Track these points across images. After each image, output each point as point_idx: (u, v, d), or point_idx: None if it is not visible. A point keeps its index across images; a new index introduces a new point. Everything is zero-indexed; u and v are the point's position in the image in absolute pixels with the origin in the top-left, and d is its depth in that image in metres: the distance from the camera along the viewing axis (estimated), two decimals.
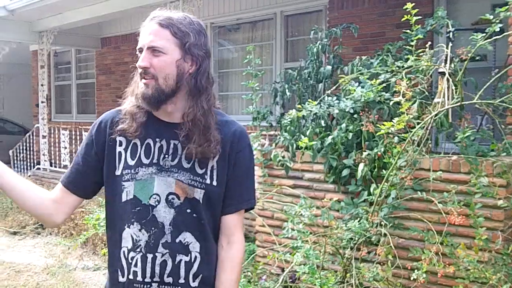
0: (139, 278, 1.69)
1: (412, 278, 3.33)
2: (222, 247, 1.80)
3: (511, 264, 3.40)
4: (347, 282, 3.76)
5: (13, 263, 6.21)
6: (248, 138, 1.82)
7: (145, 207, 1.69)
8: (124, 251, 1.71)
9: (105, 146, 1.74)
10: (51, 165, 10.54)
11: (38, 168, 10.59)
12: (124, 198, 1.71)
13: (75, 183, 1.79)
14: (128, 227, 1.70)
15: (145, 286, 1.69)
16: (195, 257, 1.72)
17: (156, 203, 1.69)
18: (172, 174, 1.70)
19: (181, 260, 1.70)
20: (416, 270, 3.30)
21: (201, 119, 1.70)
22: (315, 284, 3.72)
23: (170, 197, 1.69)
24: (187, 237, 1.71)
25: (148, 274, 1.68)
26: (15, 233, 7.60)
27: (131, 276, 1.69)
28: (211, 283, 1.77)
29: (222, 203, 1.78)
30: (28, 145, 11.35)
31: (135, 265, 1.69)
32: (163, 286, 1.69)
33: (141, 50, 1.69)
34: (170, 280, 1.69)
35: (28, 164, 11.21)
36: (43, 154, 10.43)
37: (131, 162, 1.72)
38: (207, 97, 1.73)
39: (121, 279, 1.72)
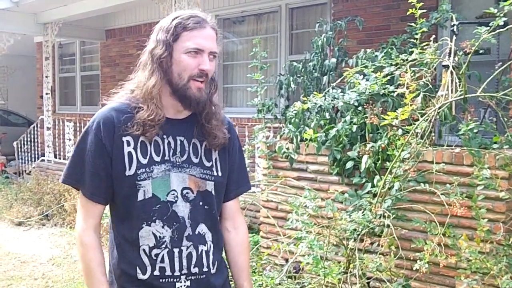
0: (168, 272, 1.73)
1: (414, 269, 3.36)
2: (230, 232, 1.95)
3: None
4: (351, 272, 3.79)
5: (18, 253, 6.26)
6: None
7: (164, 204, 1.73)
8: (144, 249, 1.73)
9: (113, 147, 1.72)
10: (55, 157, 10.53)
11: (43, 160, 10.59)
12: (140, 197, 1.72)
13: (105, 195, 1.77)
14: (149, 225, 1.72)
15: (174, 280, 1.74)
16: (210, 246, 1.81)
17: (176, 198, 1.74)
18: (184, 169, 1.77)
19: (202, 250, 1.78)
20: (418, 261, 3.33)
21: (218, 115, 1.84)
22: (318, 274, 3.76)
23: (184, 191, 1.76)
24: (202, 228, 1.79)
25: (177, 268, 1.74)
26: (20, 224, 7.64)
27: (156, 273, 1.73)
28: (223, 267, 1.89)
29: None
30: (32, 136, 11.31)
31: (162, 261, 1.73)
32: (190, 277, 1.76)
33: (197, 51, 1.72)
34: (196, 270, 1.76)
35: (33, 156, 11.18)
36: (48, 146, 10.42)
37: (144, 161, 1.73)
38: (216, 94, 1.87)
39: (141, 276, 1.73)
